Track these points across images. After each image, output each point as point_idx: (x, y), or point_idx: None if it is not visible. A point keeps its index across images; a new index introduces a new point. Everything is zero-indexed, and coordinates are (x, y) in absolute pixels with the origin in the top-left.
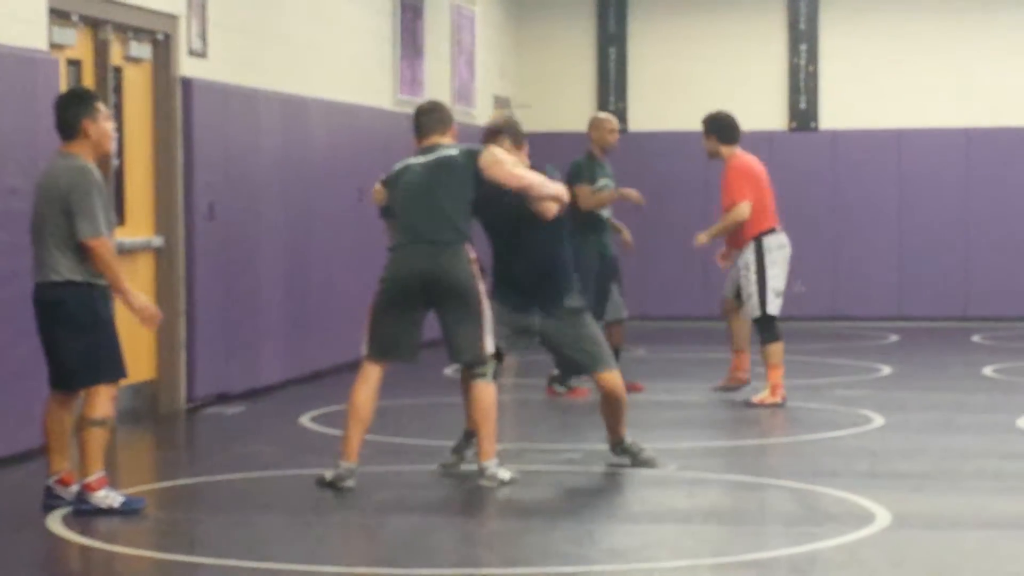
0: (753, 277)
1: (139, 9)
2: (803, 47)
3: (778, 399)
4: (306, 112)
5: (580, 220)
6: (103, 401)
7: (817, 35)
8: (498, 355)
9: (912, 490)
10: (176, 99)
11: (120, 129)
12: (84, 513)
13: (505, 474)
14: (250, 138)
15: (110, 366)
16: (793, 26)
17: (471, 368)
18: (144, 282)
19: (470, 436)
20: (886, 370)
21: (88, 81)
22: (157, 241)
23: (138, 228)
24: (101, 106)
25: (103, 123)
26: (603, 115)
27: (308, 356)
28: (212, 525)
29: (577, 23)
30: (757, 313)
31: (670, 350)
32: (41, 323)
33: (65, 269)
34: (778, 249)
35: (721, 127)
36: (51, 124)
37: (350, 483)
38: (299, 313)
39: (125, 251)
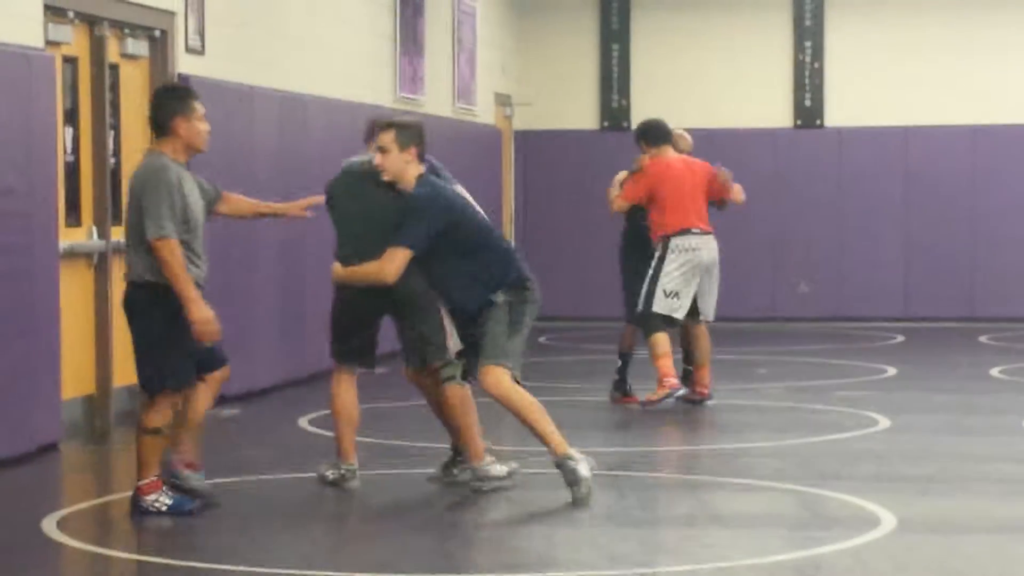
0: (650, 273)
1: (136, 6)
2: (808, 44)
3: (667, 389)
4: (304, 110)
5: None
6: (162, 410)
7: (822, 32)
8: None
9: (918, 493)
10: None
11: (116, 127)
12: (138, 514)
13: (501, 469)
14: (248, 136)
15: (173, 374)
16: (798, 23)
17: (436, 372)
18: None
19: (458, 452)
20: (892, 371)
21: (84, 79)
22: None
23: None
24: (198, 105)
25: (196, 123)
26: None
27: (305, 358)
28: (208, 529)
29: (579, 20)
30: (639, 307)
31: (672, 351)
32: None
33: (142, 270)
34: (683, 252)
35: (643, 132)
36: (47, 122)
37: (354, 484)
38: (296, 314)
39: (122, 250)
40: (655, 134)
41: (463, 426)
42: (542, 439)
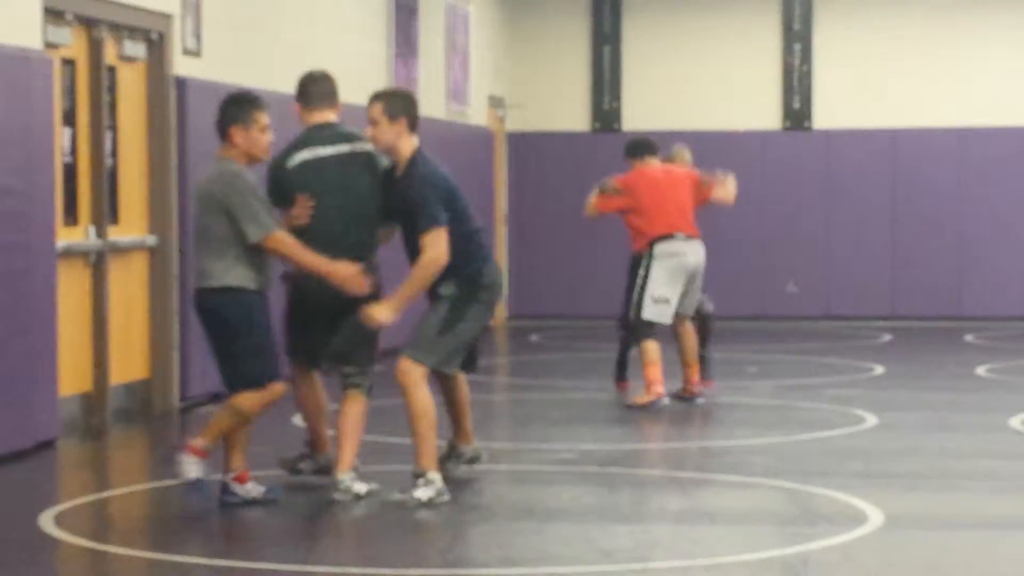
0: (639, 281)
1: (133, 8)
2: (797, 47)
3: (652, 396)
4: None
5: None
6: (251, 404)
7: (811, 35)
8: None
9: (905, 490)
10: (170, 98)
11: (114, 128)
12: (231, 504)
13: (361, 487)
14: None
15: (261, 371)
16: (787, 26)
17: (348, 376)
18: (138, 281)
19: (453, 447)
20: (879, 370)
21: (82, 80)
22: (151, 240)
23: (132, 227)
24: (260, 115)
25: (256, 133)
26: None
27: None
28: (206, 525)
29: (572, 22)
30: (632, 315)
31: (663, 349)
32: (204, 329)
33: (221, 274)
34: (668, 256)
35: (627, 147)
36: (45, 123)
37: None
38: None
39: (119, 250)
40: (633, 146)
41: (342, 434)
42: (415, 446)
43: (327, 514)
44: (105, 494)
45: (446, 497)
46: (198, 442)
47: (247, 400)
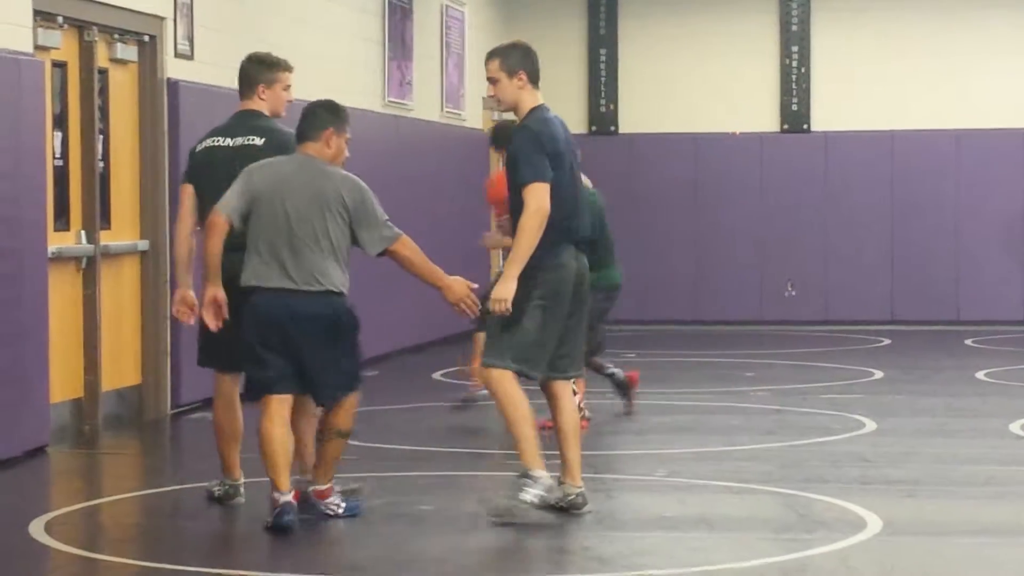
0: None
1: (125, 11)
2: (795, 49)
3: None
4: (294, 115)
5: None
6: (349, 418)
7: (809, 37)
8: None
9: (904, 496)
10: (162, 101)
11: (105, 131)
12: (312, 517)
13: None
14: None
15: (360, 376)
16: (785, 27)
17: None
18: (129, 286)
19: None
20: (878, 374)
21: (73, 83)
22: (143, 245)
23: (123, 231)
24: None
25: (344, 143)
26: None
27: None
28: (197, 532)
29: (567, 25)
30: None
31: (660, 354)
32: (295, 332)
33: (338, 280)
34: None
35: (495, 137)
36: (36, 126)
37: (239, 500)
38: None
39: (110, 255)
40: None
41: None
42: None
43: (320, 521)
44: (96, 501)
45: (557, 494)
46: (320, 487)
47: (342, 417)
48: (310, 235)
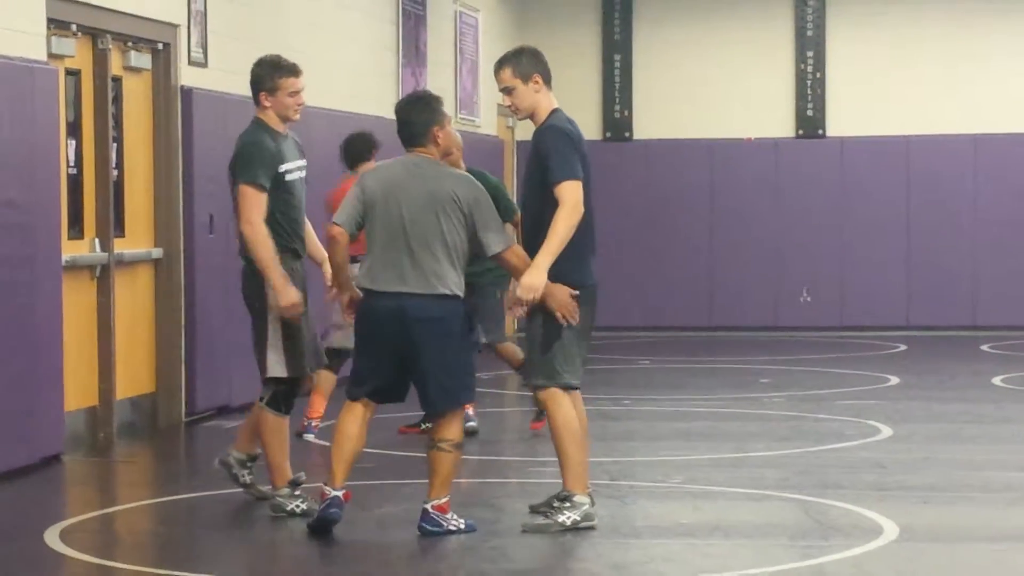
0: None
1: (139, 19)
2: (810, 54)
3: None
4: (308, 121)
5: None
6: (459, 430)
7: (824, 42)
8: (294, 380)
9: (920, 502)
10: (176, 109)
11: (119, 139)
12: (432, 534)
13: (297, 505)
14: None
15: (471, 387)
16: (800, 33)
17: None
18: (143, 294)
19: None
20: (894, 380)
21: (87, 91)
22: (157, 252)
23: (138, 239)
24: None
25: (450, 129)
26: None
27: None
28: (212, 540)
29: (581, 31)
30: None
31: (675, 360)
32: (407, 336)
33: (454, 284)
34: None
35: (345, 155)
36: (50, 134)
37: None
38: None
39: (124, 263)
40: (350, 159)
41: (265, 450)
42: (560, 467)
43: (334, 528)
44: (111, 509)
45: (593, 523)
46: (439, 501)
47: (454, 428)
48: (425, 237)
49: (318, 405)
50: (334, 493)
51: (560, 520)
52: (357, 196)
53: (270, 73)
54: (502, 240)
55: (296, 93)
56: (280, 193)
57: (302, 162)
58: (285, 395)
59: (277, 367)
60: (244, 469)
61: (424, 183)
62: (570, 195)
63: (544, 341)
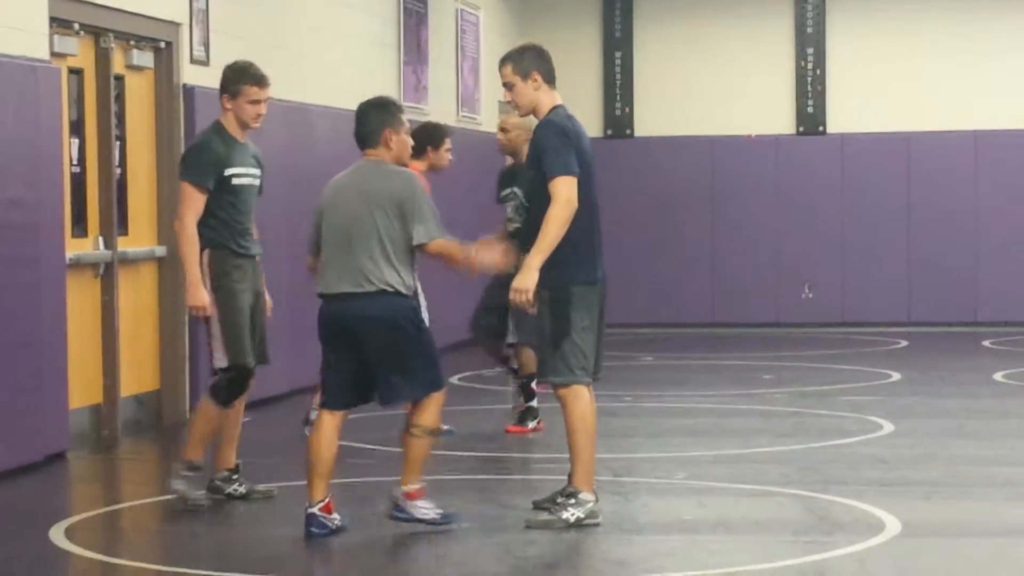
0: None
1: (141, 17)
2: (810, 51)
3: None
4: (309, 120)
5: None
6: (437, 411)
7: (824, 38)
8: (243, 375)
9: (922, 498)
10: (178, 107)
11: (122, 137)
12: (399, 520)
13: (191, 492)
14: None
15: (436, 375)
16: (800, 30)
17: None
18: (147, 292)
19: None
20: (895, 376)
21: (90, 90)
22: (160, 251)
23: (141, 237)
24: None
25: (405, 136)
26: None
27: (313, 366)
28: (216, 537)
29: (582, 28)
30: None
31: (677, 357)
32: (354, 335)
33: (391, 278)
34: None
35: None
36: (53, 133)
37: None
38: (305, 321)
39: (128, 260)
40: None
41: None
42: (570, 462)
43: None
44: (116, 507)
45: (598, 520)
46: (408, 488)
47: (427, 415)
48: (361, 237)
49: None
50: (310, 510)
51: (564, 516)
52: (315, 218)
53: (235, 78)
54: (430, 233)
55: (257, 103)
56: (224, 194)
57: (256, 171)
58: (227, 386)
59: (219, 359)
60: (233, 483)
61: (363, 184)
62: (563, 190)
63: (553, 340)
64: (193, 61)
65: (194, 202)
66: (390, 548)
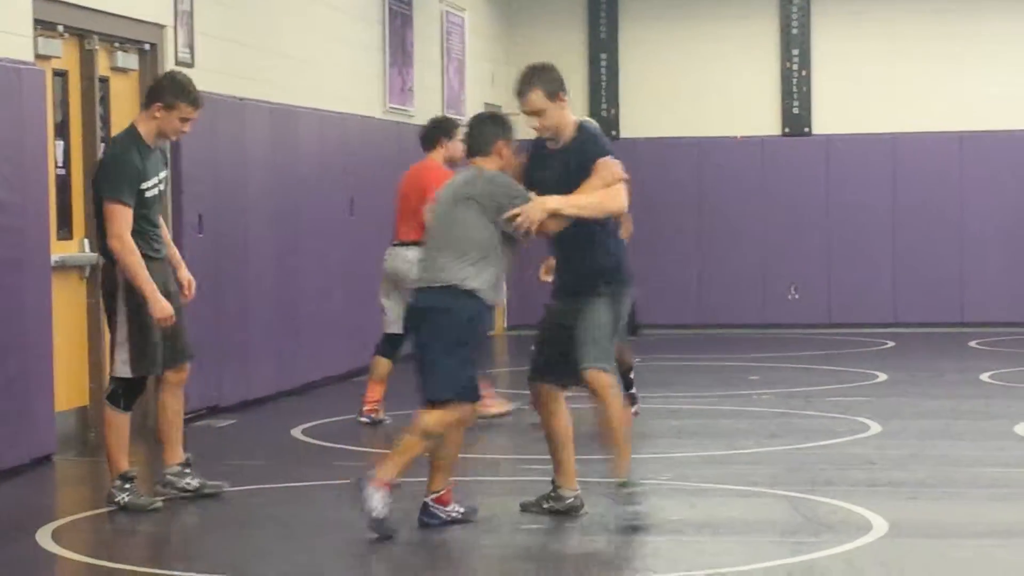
0: None
1: (126, 19)
2: (795, 52)
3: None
4: (295, 122)
5: None
6: (446, 421)
7: (809, 40)
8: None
9: (909, 498)
10: None
11: (107, 139)
12: (431, 526)
13: (139, 499)
14: (239, 149)
15: (468, 385)
16: (785, 31)
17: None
18: None
19: (556, 485)
20: (882, 377)
21: (74, 92)
22: None
23: None
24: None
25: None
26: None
27: (299, 368)
28: (204, 539)
29: (568, 30)
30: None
31: (664, 358)
32: (415, 326)
33: (459, 275)
34: (385, 263)
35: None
36: (38, 135)
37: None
38: (290, 324)
39: None
40: (424, 136)
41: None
42: (616, 456)
43: (326, 527)
44: (103, 509)
45: (584, 512)
46: (381, 478)
47: (431, 418)
48: (443, 235)
49: (374, 391)
50: (423, 500)
51: (630, 509)
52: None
53: (175, 92)
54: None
55: (187, 121)
56: (138, 208)
57: (164, 174)
58: (126, 392)
59: (123, 367)
60: (186, 477)
61: (454, 186)
62: (624, 197)
63: (610, 330)
64: (178, 63)
65: (125, 218)
66: (392, 547)
